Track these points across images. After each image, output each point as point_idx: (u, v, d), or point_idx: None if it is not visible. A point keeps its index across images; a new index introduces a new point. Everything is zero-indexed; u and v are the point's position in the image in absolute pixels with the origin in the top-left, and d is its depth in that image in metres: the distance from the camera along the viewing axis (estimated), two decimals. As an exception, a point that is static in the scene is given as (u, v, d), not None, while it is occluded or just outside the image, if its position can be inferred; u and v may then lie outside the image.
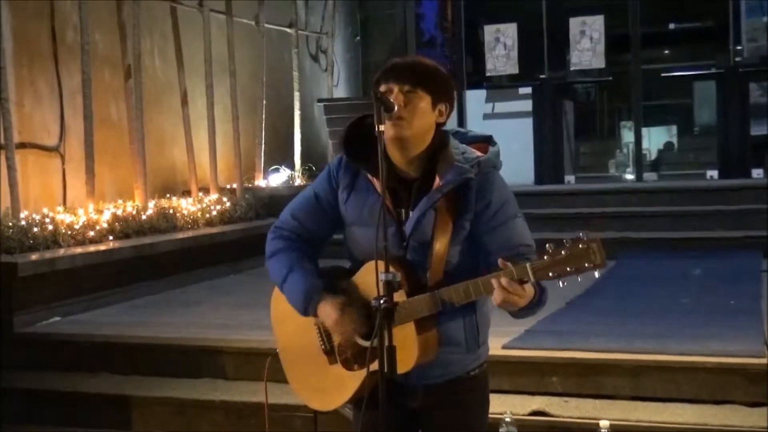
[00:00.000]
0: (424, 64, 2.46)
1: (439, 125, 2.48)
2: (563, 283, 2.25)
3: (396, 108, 2.37)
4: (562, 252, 2.22)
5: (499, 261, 2.26)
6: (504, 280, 2.24)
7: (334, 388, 2.56)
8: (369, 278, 2.38)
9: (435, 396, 2.54)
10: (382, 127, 2.33)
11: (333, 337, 2.55)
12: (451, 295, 2.36)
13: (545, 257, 2.23)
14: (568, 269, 2.21)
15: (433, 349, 2.45)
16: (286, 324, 2.65)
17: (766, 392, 4.09)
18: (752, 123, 10.25)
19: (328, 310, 2.47)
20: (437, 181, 2.43)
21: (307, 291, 2.50)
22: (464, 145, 2.51)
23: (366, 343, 2.43)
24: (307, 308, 2.50)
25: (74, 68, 7.22)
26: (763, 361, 4.15)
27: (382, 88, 2.41)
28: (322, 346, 2.56)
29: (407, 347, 2.38)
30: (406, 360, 2.38)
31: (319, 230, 2.62)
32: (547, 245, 2.24)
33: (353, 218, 2.54)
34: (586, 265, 2.21)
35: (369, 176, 2.49)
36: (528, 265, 2.25)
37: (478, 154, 2.49)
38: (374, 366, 2.31)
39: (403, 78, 2.40)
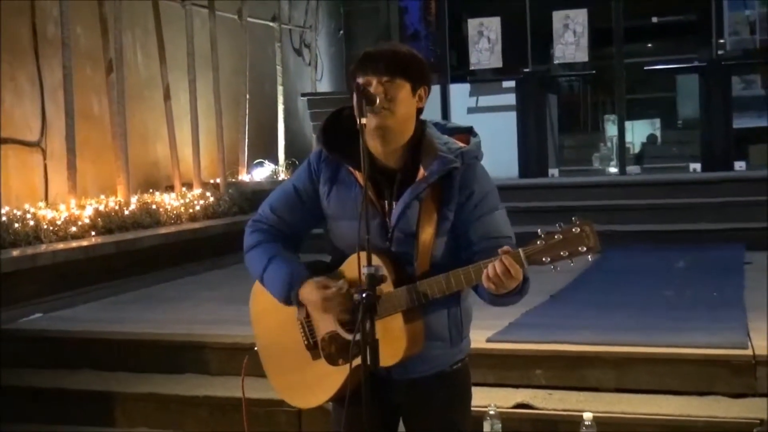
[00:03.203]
0: (398, 52, 2.42)
1: (419, 111, 2.47)
2: (556, 269, 2.24)
3: (378, 100, 2.35)
4: (556, 236, 2.22)
5: (500, 251, 2.25)
6: (508, 259, 2.22)
7: (317, 385, 2.53)
8: (355, 270, 2.34)
9: (418, 390, 2.53)
10: (363, 120, 2.30)
11: (316, 330, 2.52)
12: (439, 285, 2.34)
13: (539, 242, 2.23)
14: (561, 254, 2.22)
15: (421, 340, 2.44)
16: (266, 320, 2.62)
17: (750, 384, 4.11)
18: (735, 116, 10.30)
19: (312, 292, 2.43)
20: (422, 171, 2.41)
21: (290, 276, 2.46)
22: (446, 136, 2.50)
23: (350, 336, 2.42)
24: (290, 294, 2.46)
25: (55, 63, 7.17)
26: (747, 352, 4.17)
27: (361, 80, 2.38)
28: (305, 342, 2.53)
29: (395, 339, 2.37)
30: (395, 352, 2.38)
31: (299, 224, 2.59)
32: (539, 230, 2.24)
33: (336, 212, 2.51)
34: (580, 249, 2.21)
35: (350, 169, 2.47)
36: (521, 250, 2.25)
37: (461, 144, 2.48)
38: (358, 360, 2.28)
39: (380, 68, 2.37)
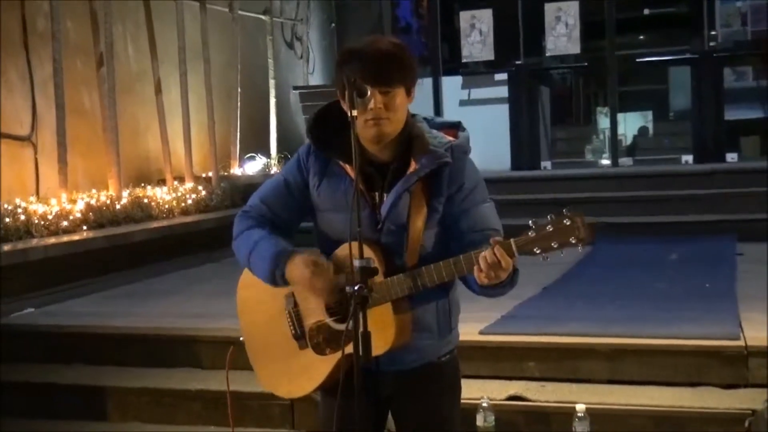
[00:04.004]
0: (393, 56, 2.38)
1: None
2: (546, 259, 2.25)
3: (373, 102, 2.33)
4: (547, 227, 2.22)
5: (491, 240, 2.25)
6: (499, 250, 2.22)
7: (303, 374, 2.53)
8: (346, 255, 2.33)
9: (407, 382, 2.53)
10: (354, 112, 2.29)
11: (304, 320, 2.51)
12: (430, 274, 2.34)
13: (530, 233, 2.24)
14: (552, 244, 2.22)
15: (409, 330, 2.44)
16: (252, 312, 2.62)
17: (742, 374, 4.12)
18: (726, 108, 10.32)
19: (300, 267, 2.40)
20: (413, 164, 2.42)
21: (276, 255, 2.45)
22: (435, 130, 2.50)
23: (339, 327, 2.42)
24: (275, 272, 2.44)
25: (45, 57, 7.14)
26: (738, 343, 4.18)
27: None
28: (293, 331, 2.53)
29: (384, 328, 2.37)
30: (383, 341, 2.38)
31: (289, 217, 2.58)
32: (531, 221, 2.24)
33: (327, 204, 2.51)
34: (571, 240, 2.21)
35: (340, 162, 2.47)
36: (512, 240, 2.25)
37: (450, 138, 2.48)
38: (348, 349, 2.28)
39: (380, 80, 2.35)
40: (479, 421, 3.85)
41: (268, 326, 2.58)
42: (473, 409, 3.82)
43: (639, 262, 6.71)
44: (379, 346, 2.36)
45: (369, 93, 2.34)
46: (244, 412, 4.34)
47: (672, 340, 4.29)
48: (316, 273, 2.39)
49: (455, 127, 2.55)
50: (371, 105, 2.35)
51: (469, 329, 4.27)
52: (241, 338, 2.69)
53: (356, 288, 2.24)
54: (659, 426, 3.96)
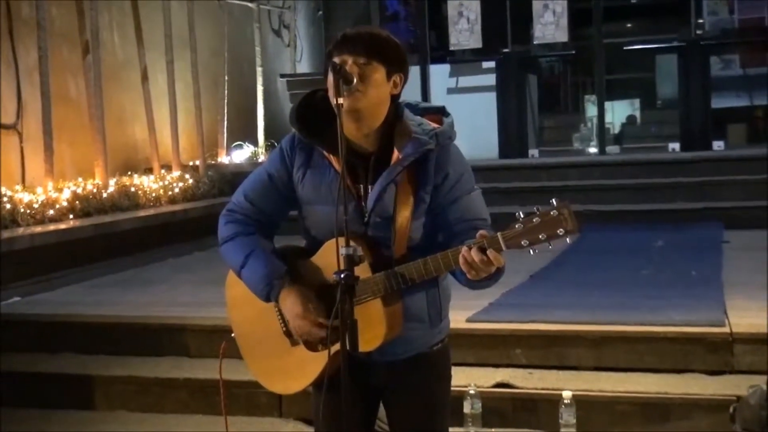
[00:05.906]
0: (377, 35, 2.40)
1: (393, 97, 2.43)
2: (534, 252, 2.22)
3: (355, 81, 2.33)
4: (534, 220, 2.19)
5: (478, 234, 2.23)
6: (476, 253, 2.20)
7: (297, 371, 2.51)
8: (329, 259, 2.32)
9: (398, 372, 2.52)
10: (340, 100, 2.27)
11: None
12: (411, 272, 2.32)
13: (517, 225, 2.20)
14: (540, 237, 2.19)
15: (400, 324, 2.42)
16: (242, 307, 2.59)
17: (727, 361, 4.15)
18: (713, 96, 10.35)
19: (291, 303, 2.41)
20: (396, 154, 2.39)
21: (270, 277, 2.44)
22: (419, 117, 2.47)
23: (327, 322, 2.40)
24: (269, 295, 2.45)
25: (31, 44, 7.09)
26: (724, 330, 4.21)
27: (336, 59, 2.34)
28: (283, 328, 2.51)
29: (374, 324, 2.35)
30: (374, 337, 2.36)
31: (274, 211, 2.55)
32: (518, 213, 2.22)
33: (311, 197, 2.47)
34: (559, 232, 2.18)
35: (325, 153, 2.44)
36: (499, 234, 2.22)
37: (434, 125, 2.45)
38: (338, 347, 2.26)
39: (357, 49, 2.34)
40: (466, 408, 3.87)
41: (258, 323, 2.55)
42: (460, 397, 3.84)
43: (626, 250, 6.73)
44: (369, 343, 2.34)
45: (348, 67, 2.31)
46: (232, 401, 4.34)
47: (658, 327, 4.30)
48: (305, 314, 2.40)
49: (439, 113, 2.52)
50: None
51: (457, 317, 4.26)
52: (232, 334, 2.66)
53: (342, 276, 2.21)
54: (645, 412, 3.99)
